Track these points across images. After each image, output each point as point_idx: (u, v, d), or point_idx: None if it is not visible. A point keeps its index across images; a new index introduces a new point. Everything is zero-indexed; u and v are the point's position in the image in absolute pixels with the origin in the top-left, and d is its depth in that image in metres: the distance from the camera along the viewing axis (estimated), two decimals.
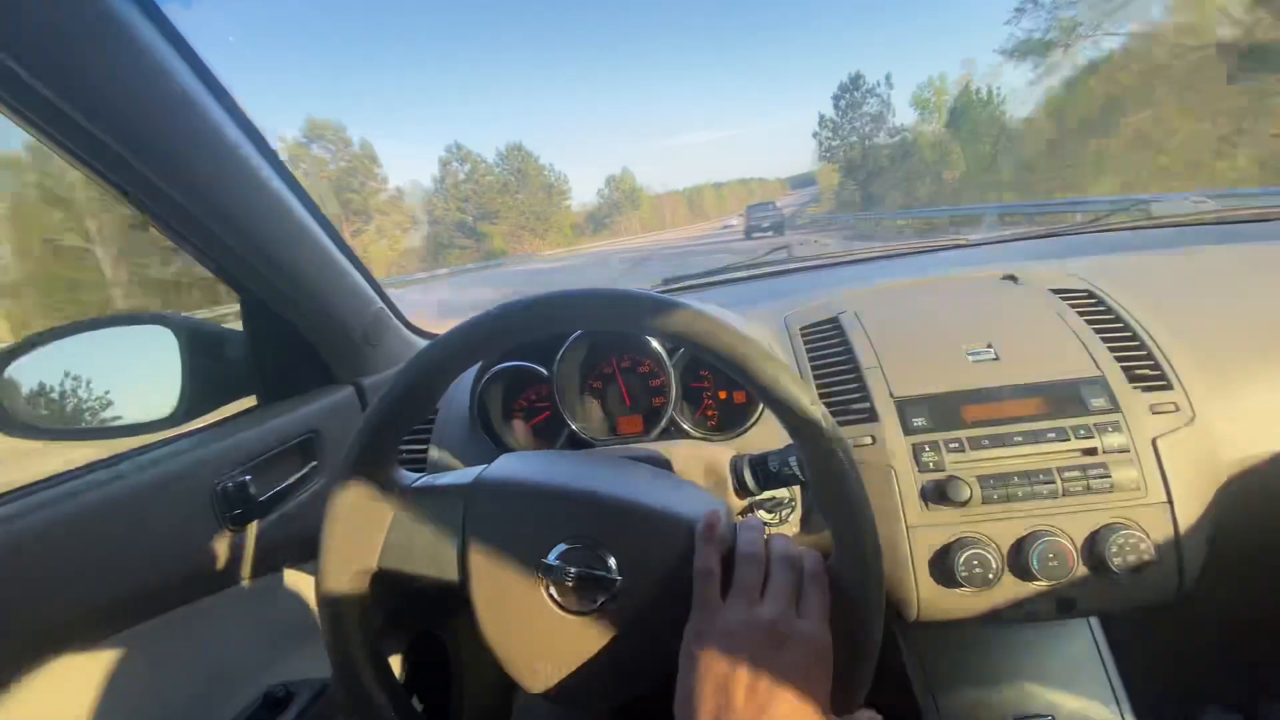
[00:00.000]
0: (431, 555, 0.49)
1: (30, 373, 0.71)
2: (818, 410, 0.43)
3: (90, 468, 0.62)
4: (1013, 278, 0.85)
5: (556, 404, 0.82)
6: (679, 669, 0.42)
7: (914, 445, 0.68)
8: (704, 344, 0.44)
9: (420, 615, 0.83)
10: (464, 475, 0.52)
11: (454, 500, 0.50)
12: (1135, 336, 0.73)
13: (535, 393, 0.90)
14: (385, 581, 0.51)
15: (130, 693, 0.57)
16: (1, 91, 0.48)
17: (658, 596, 0.45)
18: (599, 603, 0.45)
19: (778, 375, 0.43)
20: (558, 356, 0.82)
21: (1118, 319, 0.75)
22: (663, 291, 0.88)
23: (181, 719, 0.61)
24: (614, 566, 0.46)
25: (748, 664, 0.39)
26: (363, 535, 0.49)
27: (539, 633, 0.46)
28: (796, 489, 0.69)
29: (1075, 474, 0.65)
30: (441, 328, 0.50)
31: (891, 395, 0.71)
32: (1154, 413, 0.67)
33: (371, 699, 0.49)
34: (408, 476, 0.52)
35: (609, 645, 0.46)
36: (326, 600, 0.49)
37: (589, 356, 0.86)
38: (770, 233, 24.47)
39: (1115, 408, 0.67)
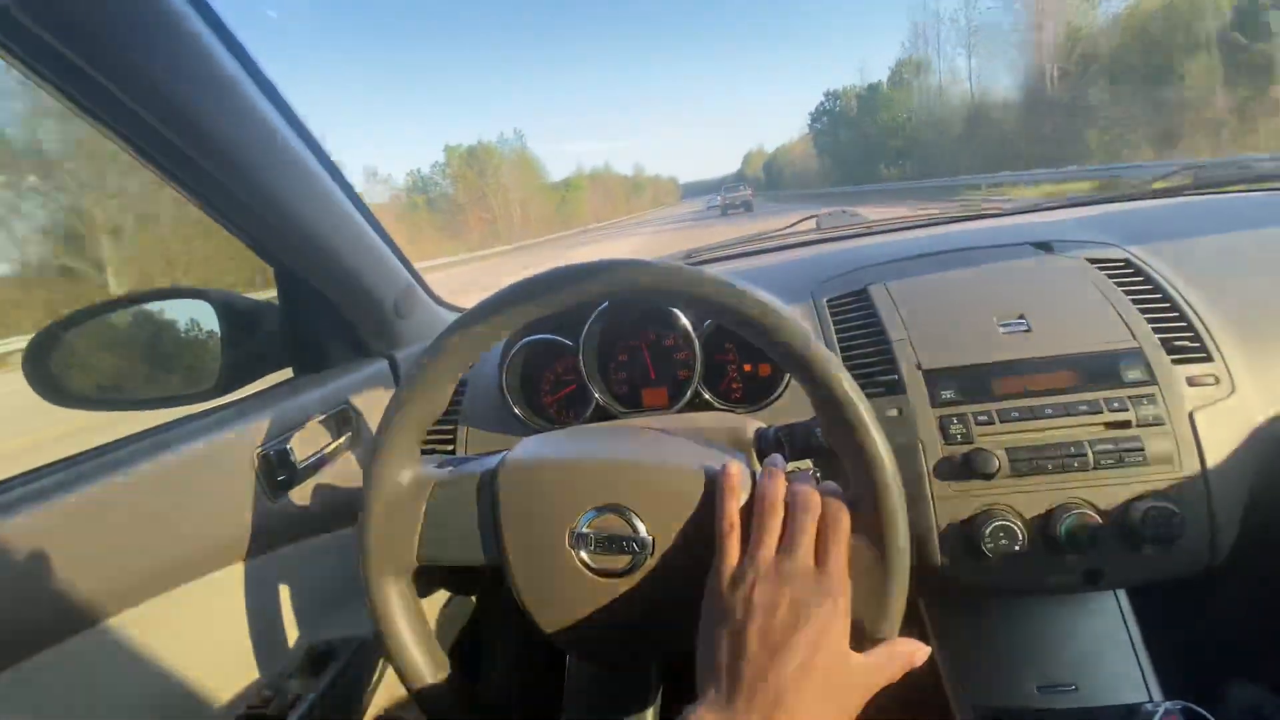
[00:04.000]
0: (466, 542, 0.51)
1: (78, 345, 0.74)
2: (819, 348, 0.44)
3: (139, 436, 0.65)
4: (1047, 247, 0.83)
5: (583, 376, 0.83)
6: (700, 620, 0.43)
7: (941, 417, 0.68)
8: (722, 308, 0.46)
9: (452, 588, 0.86)
10: (489, 461, 0.54)
11: (483, 486, 0.51)
12: (1175, 307, 0.71)
13: (561, 366, 0.91)
14: (422, 570, 0.53)
15: (179, 651, 0.60)
16: (36, 64, 0.49)
17: (690, 552, 0.47)
18: (631, 564, 0.47)
19: (779, 323, 0.45)
20: (584, 329, 0.83)
21: (1156, 289, 0.73)
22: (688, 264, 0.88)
23: (228, 675, 0.64)
24: (643, 529, 0.47)
25: (761, 614, 0.40)
26: (400, 535, 0.52)
27: (578, 600, 0.48)
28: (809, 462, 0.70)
29: (1107, 446, 0.64)
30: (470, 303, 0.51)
31: (919, 367, 0.71)
32: (1192, 385, 0.66)
33: (435, 690, 0.51)
34: (435, 472, 0.54)
35: (647, 605, 0.47)
36: (375, 602, 0.51)
37: (614, 330, 0.87)
38: (742, 209, 30.44)
39: (1151, 380, 0.66)
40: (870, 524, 0.44)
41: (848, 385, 0.44)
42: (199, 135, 0.58)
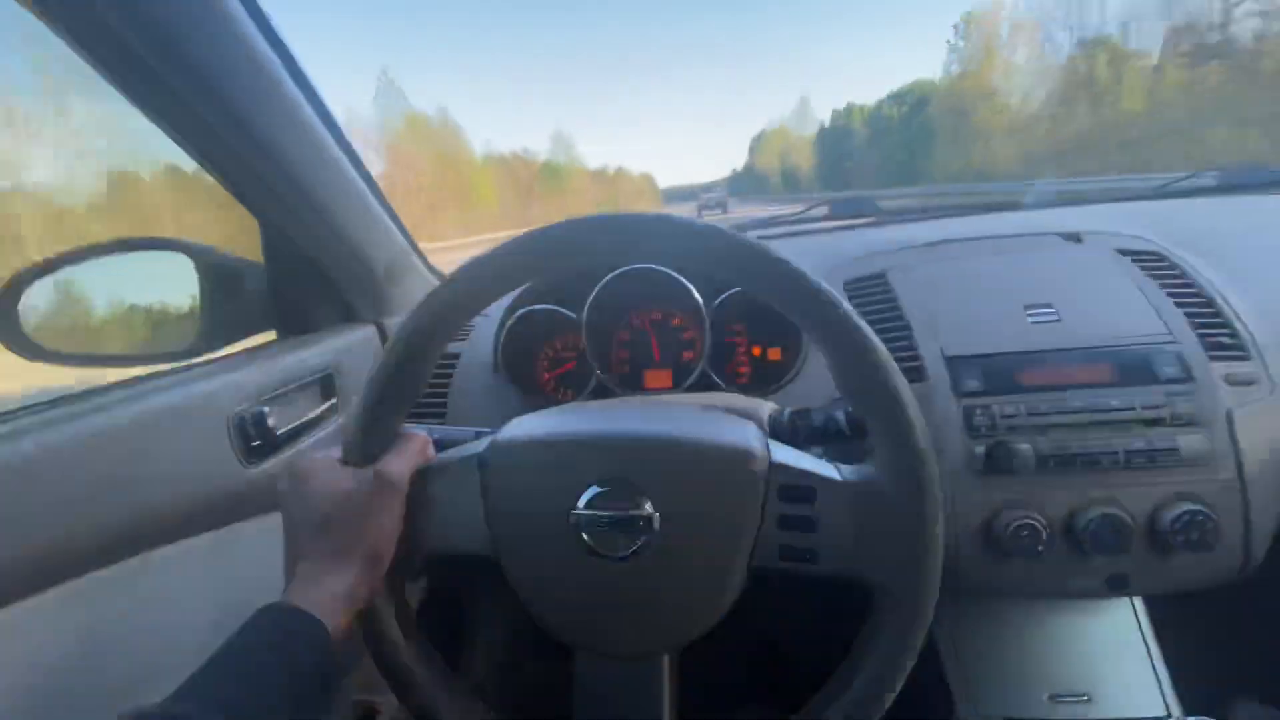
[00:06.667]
0: (457, 533, 0.47)
1: (48, 295, 0.70)
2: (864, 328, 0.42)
3: (106, 389, 0.60)
4: (1075, 238, 0.79)
5: (584, 352, 0.79)
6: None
7: (965, 407, 0.64)
8: (743, 267, 0.43)
9: (434, 579, 0.82)
10: (475, 445, 0.49)
11: (469, 471, 0.47)
12: (1211, 303, 0.68)
13: (560, 341, 0.87)
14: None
15: (140, 621, 0.56)
16: None
17: (702, 531, 0.43)
18: (638, 545, 0.43)
19: (829, 301, 0.41)
20: (589, 301, 0.79)
21: (1192, 284, 0.70)
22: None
23: (196, 644, 0.60)
24: (649, 506, 0.43)
25: None
26: None
27: (581, 587, 0.44)
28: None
29: (1140, 445, 0.60)
30: None
31: (943, 354, 0.67)
32: (1230, 384, 0.62)
33: (418, 684, 0.47)
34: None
35: (656, 589, 0.44)
36: None
37: (618, 304, 0.83)
38: (718, 210, 30.57)
39: (1188, 377, 0.62)
40: (902, 495, 0.41)
41: (878, 346, 0.41)
42: (188, 71, 0.54)
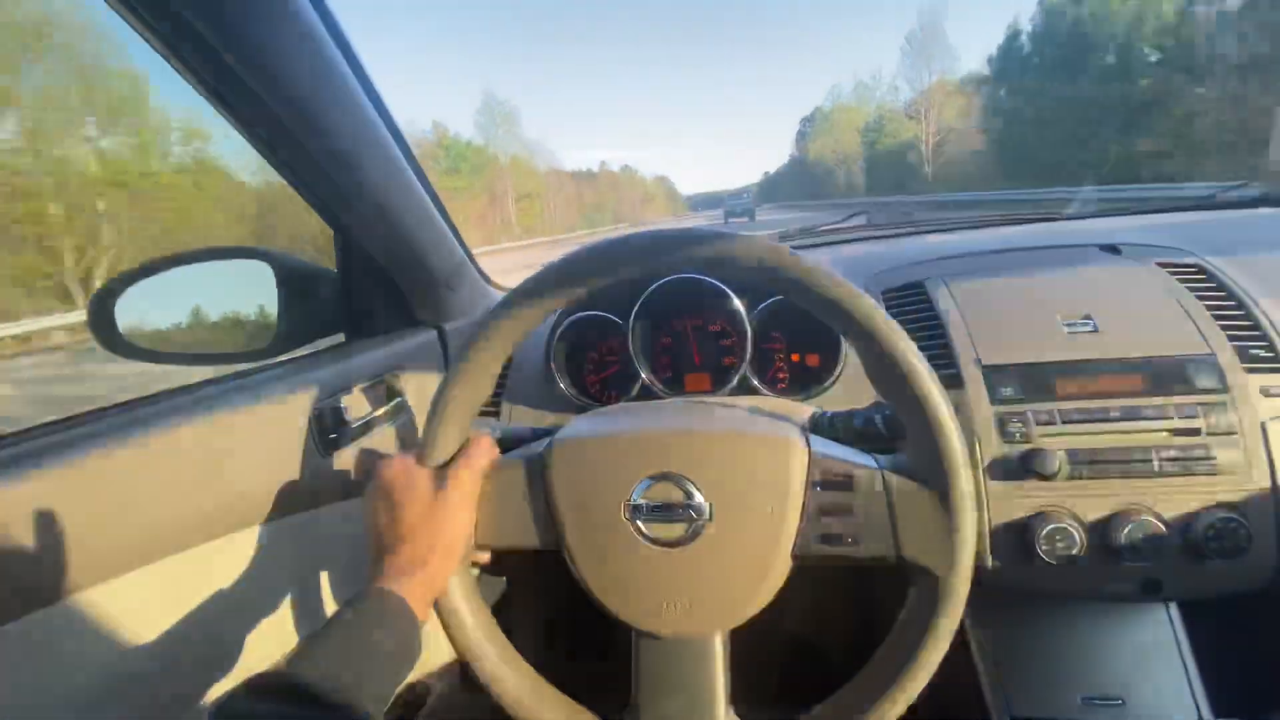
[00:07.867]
0: (521, 527, 0.51)
1: (142, 298, 0.76)
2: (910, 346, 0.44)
3: (194, 387, 0.66)
4: (1114, 249, 0.80)
5: (628, 356, 0.83)
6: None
7: (1000, 415, 0.66)
8: (776, 272, 0.45)
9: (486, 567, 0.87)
10: (536, 446, 0.53)
11: (533, 470, 0.51)
12: (1249, 315, 0.69)
13: (605, 346, 0.92)
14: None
15: (221, 601, 0.61)
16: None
17: (748, 519, 0.47)
18: (690, 531, 0.47)
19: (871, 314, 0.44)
20: (634, 308, 0.83)
21: (1230, 296, 0.71)
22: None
23: (273, 623, 0.65)
24: (699, 496, 0.47)
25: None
26: None
27: (638, 572, 0.48)
28: None
29: (1174, 454, 0.62)
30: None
31: (979, 362, 0.69)
32: (1266, 395, 0.64)
33: (488, 660, 0.51)
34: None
35: (708, 573, 0.47)
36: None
37: (661, 311, 0.87)
38: (744, 217, 30.85)
39: (1223, 388, 0.64)
40: (935, 475, 0.44)
41: (907, 346, 0.44)
42: (281, 91, 0.59)
